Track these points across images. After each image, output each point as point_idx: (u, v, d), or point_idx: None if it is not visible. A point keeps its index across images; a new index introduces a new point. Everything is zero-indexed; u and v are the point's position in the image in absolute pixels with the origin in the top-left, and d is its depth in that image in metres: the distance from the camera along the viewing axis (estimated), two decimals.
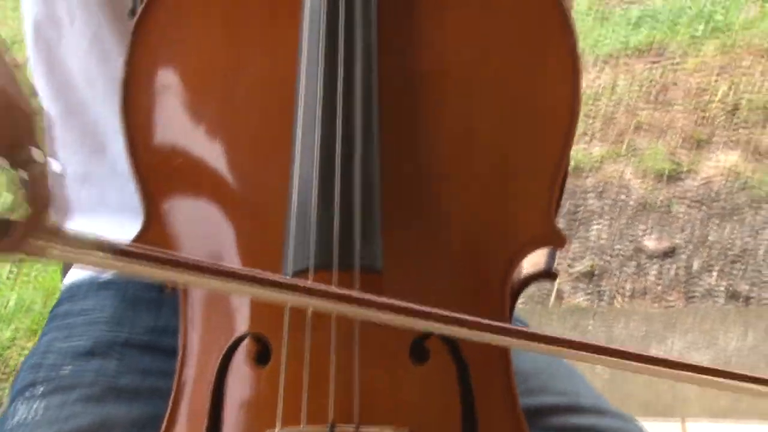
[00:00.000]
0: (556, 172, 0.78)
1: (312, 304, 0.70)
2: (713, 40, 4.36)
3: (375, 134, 0.76)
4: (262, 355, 0.75)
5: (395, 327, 0.71)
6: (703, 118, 3.78)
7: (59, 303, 1.09)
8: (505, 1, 0.83)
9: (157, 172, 0.80)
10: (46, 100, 1.06)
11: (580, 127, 3.57)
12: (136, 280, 1.00)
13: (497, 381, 0.77)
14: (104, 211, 1.05)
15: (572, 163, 3.43)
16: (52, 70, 1.04)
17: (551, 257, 0.82)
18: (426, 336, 0.74)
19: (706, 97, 3.94)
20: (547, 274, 0.83)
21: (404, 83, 0.80)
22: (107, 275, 1.05)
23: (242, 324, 0.78)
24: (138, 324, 1.00)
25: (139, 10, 0.82)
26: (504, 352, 0.77)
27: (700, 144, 3.61)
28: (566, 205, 3.16)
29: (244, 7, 0.83)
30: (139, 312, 1.00)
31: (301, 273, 0.73)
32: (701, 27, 4.46)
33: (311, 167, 0.75)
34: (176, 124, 0.83)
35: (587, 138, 3.64)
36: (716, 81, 4.05)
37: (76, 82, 1.03)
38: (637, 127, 3.71)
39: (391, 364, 0.74)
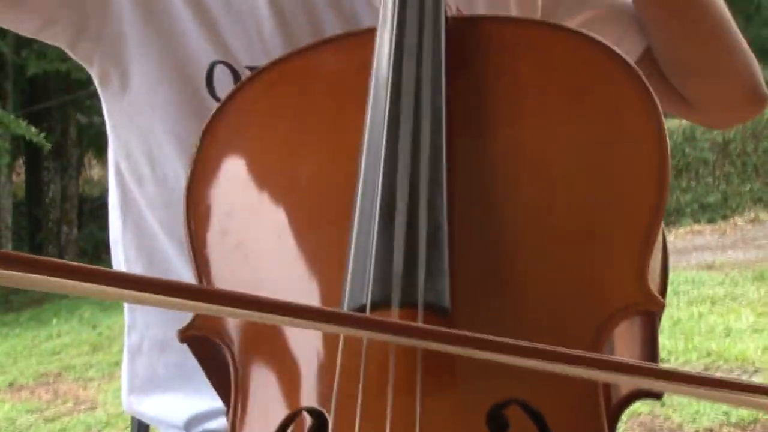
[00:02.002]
0: (647, 238, 0.69)
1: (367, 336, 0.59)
2: None
3: (442, 180, 0.71)
4: None
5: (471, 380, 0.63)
6: None
7: None
8: (576, 77, 0.81)
9: (214, 255, 0.76)
10: (131, 261, 1.03)
11: None
12: None
13: None
14: (181, 383, 0.98)
15: None
16: (137, 228, 1.02)
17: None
18: (505, 403, 0.62)
19: None
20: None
21: (478, 153, 0.76)
22: None
23: (294, 399, 0.68)
24: None
25: (209, 116, 0.83)
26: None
27: None
28: None
29: (309, 111, 0.83)
30: None
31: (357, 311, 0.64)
32: None
33: (372, 210, 0.69)
34: (239, 211, 0.79)
35: None
36: None
37: (158, 238, 1.00)
38: None
39: None
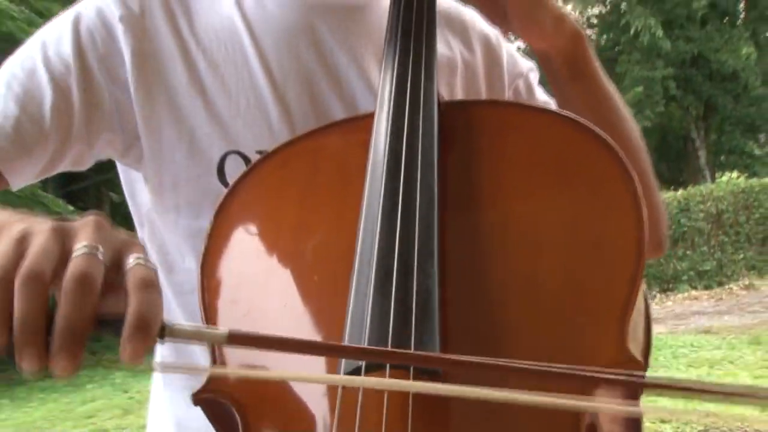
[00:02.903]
0: (626, 304, 0.69)
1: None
2: None
3: (433, 252, 0.72)
4: None
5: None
6: None
7: None
8: (558, 154, 0.81)
9: (225, 323, 0.76)
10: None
11: None
12: None
13: None
14: None
15: None
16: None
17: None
18: None
19: None
20: None
21: (469, 225, 0.77)
22: None
23: None
24: None
25: (225, 192, 0.86)
26: None
27: None
28: None
29: (313, 189, 0.85)
30: None
31: (353, 373, 0.64)
32: None
33: (368, 278, 0.70)
34: (248, 281, 0.80)
35: None
36: None
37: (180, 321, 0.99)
38: None
39: None
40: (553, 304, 0.71)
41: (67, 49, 0.94)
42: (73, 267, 0.53)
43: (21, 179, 0.92)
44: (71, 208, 11.85)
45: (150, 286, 0.54)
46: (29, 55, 0.94)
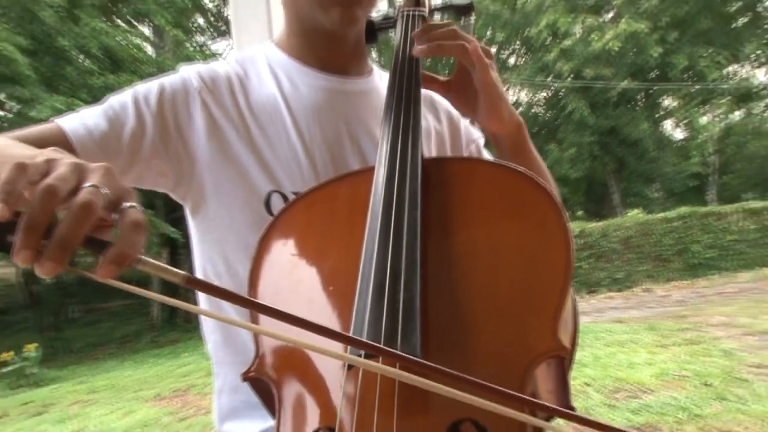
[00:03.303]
0: (559, 306, 0.65)
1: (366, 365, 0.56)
2: (692, 423, 3.95)
3: (416, 269, 0.68)
4: None
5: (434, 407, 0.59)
6: None
7: None
8: (510, 197, 0.76)
9: (266, 323, 0.72)
10: (210, 332, 0.99)
11: None
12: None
13: None
14: (250, 412, 0.93)
15: None
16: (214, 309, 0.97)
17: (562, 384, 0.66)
18: (461, 420, 0.59)
19: None
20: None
21: (443, 249, 0.72)
22: None
23: (316, 420, 0.65)
24: None
25: (264, 228, 0.81)
26: None
27: None
28: None
29: (331, 223, 0.81)
30: None
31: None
32: (683, 415, 4.09)
33: (368, 285, 0.66)
34: (283, 292, 0.76)
35: None
36: None
37: (229, 312, 0.94)
38: None
39: None
40: (505, 308, 0.68)
41: (152, 98, 0.92)
42: (81, 195, 0.49)
43: None
44: (173, 229, 11.96)
45: (138, 226, 0.50)
46: (123, 95, 0.93)
